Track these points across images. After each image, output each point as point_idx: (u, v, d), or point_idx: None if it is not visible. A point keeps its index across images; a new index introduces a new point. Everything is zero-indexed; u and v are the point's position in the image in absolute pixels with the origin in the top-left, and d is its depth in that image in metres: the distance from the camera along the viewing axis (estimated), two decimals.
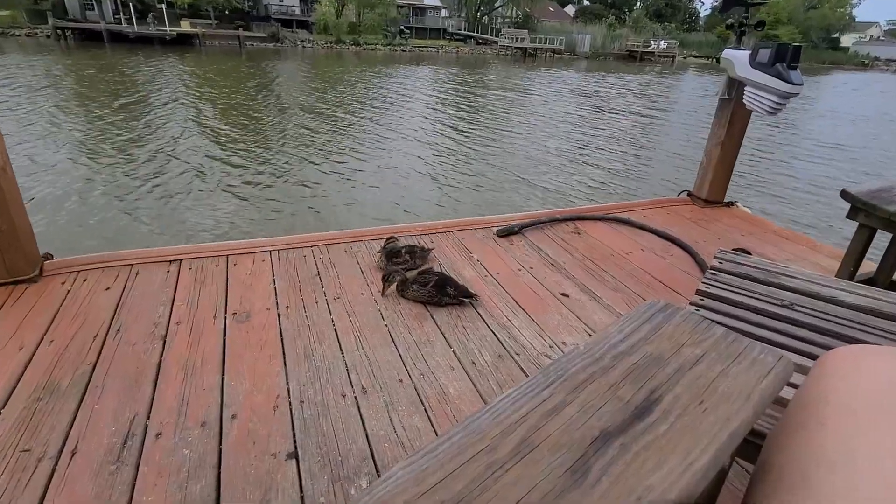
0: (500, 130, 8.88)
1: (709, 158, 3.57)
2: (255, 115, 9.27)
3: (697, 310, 1.34)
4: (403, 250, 2.48)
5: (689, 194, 3.74)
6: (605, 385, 0.45)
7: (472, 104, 11.28)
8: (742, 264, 1.60)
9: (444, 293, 2.16)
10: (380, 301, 2.19)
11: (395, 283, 2.24)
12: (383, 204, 5.62)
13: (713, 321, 0.64)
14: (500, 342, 1.96)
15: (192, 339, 1.87)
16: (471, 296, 2.20)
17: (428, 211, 5.49)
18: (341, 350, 1.85)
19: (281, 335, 1.91)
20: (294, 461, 1.41)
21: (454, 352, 1.88)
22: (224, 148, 7.25)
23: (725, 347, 0.51)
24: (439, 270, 2.40)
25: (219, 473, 1.37)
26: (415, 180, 6.38)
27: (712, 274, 1.58)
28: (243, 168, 6.54)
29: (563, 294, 2.34)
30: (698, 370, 0.47)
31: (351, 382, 1.70)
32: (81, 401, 1.57)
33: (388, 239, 2.55)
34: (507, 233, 2.92)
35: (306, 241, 2.71)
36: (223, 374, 1.70)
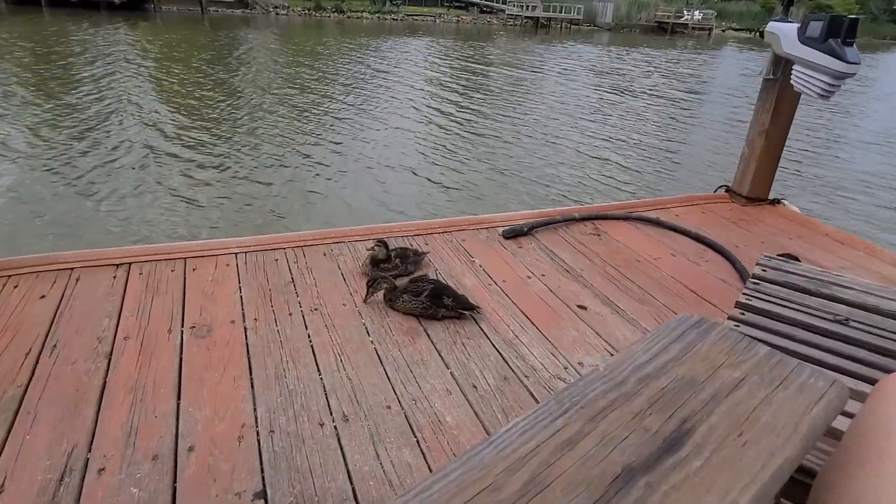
0: (504, 116, 8.87)
1: (751, 149, 3.60)
2: (211, 95, 9.20)
3: (737, 325, 1.35)
4: (393, 254, 2.49)
5: (728, 190, 3.77)
6: (629, 413, 0.45)
7: (471, 84, 11.29)
8: (789, 272, 1.61)
9: (441, 304, 2.17)
10: (364, 313, 2.20)
11: (382, 291, 2.25)
12: (364, 203, 5.59)
13: (755, 339, 0.65)
14: (506, 362, 1.97)
15: (142, 356, 1.87)
16: (472, 307, 2.21)
17: (416, 211, 5.47)
18: (319, 371, 1.85)
19: (248, 353, 1.91)
20: (262, 502, 1.41)
21: (452, 373, 1.89)
22: (170, 135, 7.12)
23: (769, 370, 0.51)
24: (435, 278, 2.41)
25: None
26: (402, 176, 6.33)
27: (754, 283, 1.59)
28: (194, 160, 6.44)
29: (580, 306, 2.35)
30: (737, 396, 0.47)
31: (330, 409, 1.70)
32: (10, 429, 1.56)
33: (377, 242, 2.56)
34: (514, 234, 2.93)
35: (278, 242, 2.71)
36: (179, 398, 1.70)
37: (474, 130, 8.26)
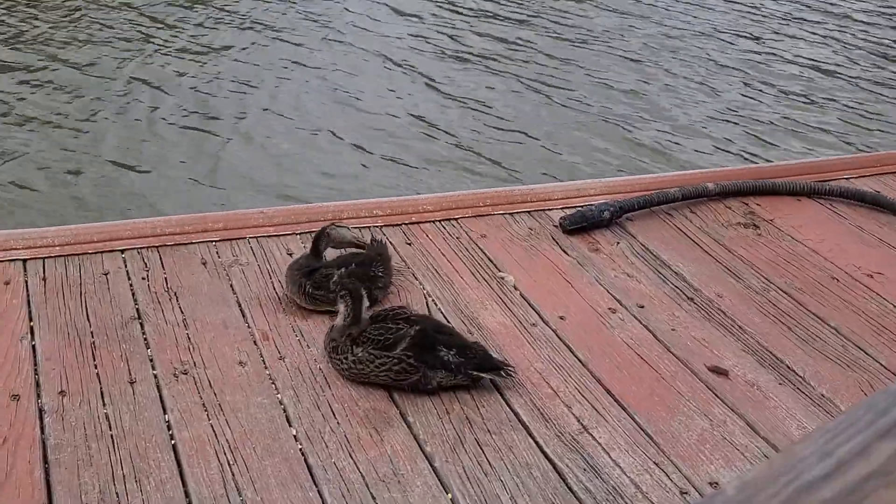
0: (573, 36, 8.87)
1: None
2: None
3: None
4: (337, 276, 2.43)
5: None
6: None
7: None
8: None
9: (434, 362, 2.18)
10: (283, 379, 2.21)
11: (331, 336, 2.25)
12: (289, 171, 5.61)
13: None
14: (564, 480, 1.97)
15: None
16: (495, 367, 2.22)
17: (389, 185, 5.48)
18: (187, 496, 1.86)
19: (44, 459, 1.92)
20: None
21: (454, 501, 1.90)
22: None
23: None
24: (423, 312, 2.42)
25: None
26: (361, 121, 6.35)
27: None
28: None
29: (714, 369, 2.35)
30: None
31: None
32: None
33: (322, 231, 2.55)
34: (583, 223, 2.94)
35: (112, 237, 2.73)
36: None
37: (496, 47, 8.31)
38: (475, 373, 2.20)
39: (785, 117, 6.84)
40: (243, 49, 7.58)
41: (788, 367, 2.38)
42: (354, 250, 2.64)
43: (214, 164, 5.68)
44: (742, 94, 7.20)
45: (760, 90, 7.30)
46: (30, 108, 6.29)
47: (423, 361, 2.17)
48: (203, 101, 6.52)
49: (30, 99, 6.44)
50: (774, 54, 8.11)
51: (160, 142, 5.97)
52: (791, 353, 2.44)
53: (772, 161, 5.30)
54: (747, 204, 3.18)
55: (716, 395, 2.26)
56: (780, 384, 2.31)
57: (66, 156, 5.70)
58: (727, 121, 6.71)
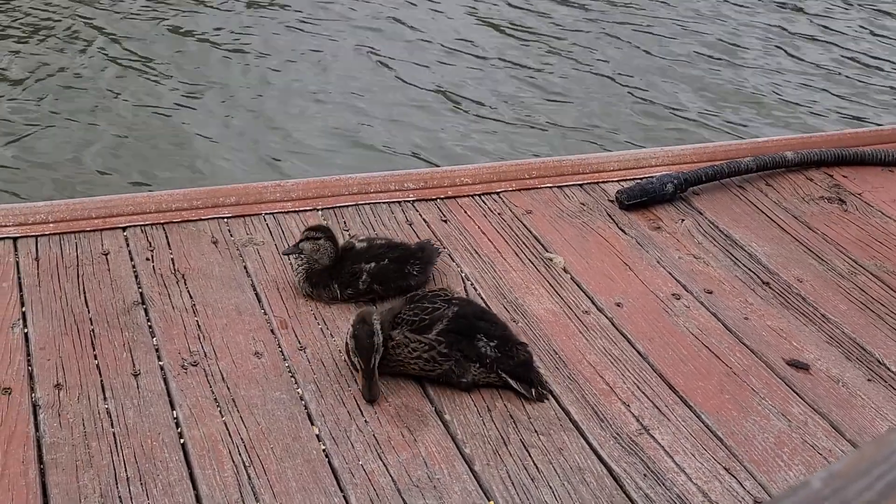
0: None
1: None
2: None
3: None
4: (365, 254, 2.48)
5: None
6: None
7: None
8: None
9: (472, 354, 2.18)
10: (304, 372, 2.22)
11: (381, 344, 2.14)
12: (304, 139, 5.73)
13: None
14: (622, 487, 1.96)
15: None
16: (530, 383, 2.21)
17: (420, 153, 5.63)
18: (198, 500, 1.87)
19: (39, 459, 1.94)
20: None
21: None
22: None
23: None
24: (460, 295, 2.42)
25: None
26: (388, 84, 6.48)
27: None
28: None
29: (793, 363, 2.33)
30: None
31: None
32: None
33: (311, 230, 2.51)
34: (643, 197, 2.94)
35: (112, 212, 2.75)
36: None
37: None
38: (505, 375, 2.19)
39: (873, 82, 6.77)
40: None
41: (878, 362, 2.35)
42: (390, 240, 2.63)
43: (231, 130, 5.75)
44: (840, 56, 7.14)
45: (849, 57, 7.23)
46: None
47: (459, 350, 2.17)
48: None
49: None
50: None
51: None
52: (881, 344, 2.41)
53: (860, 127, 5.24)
54: (832, 175, 3.15)
55: (795, 392, 2.24)
56: (868, 380, 2.29)
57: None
58: (810, 86, 6.66)
